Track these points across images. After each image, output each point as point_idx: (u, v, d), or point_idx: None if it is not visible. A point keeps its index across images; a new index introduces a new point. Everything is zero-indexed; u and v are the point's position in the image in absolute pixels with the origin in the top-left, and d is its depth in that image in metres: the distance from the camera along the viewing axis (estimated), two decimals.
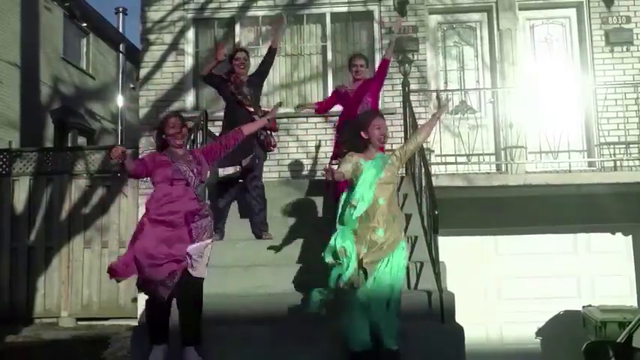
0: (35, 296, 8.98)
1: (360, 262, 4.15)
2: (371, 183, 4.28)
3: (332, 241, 4.15)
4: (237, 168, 5.90)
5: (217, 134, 7.31)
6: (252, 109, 5.95)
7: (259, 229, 5.98)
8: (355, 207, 4.22)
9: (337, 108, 6.54)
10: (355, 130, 4.51)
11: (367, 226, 4.21)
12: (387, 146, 5.48)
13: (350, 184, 4.40)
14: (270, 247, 5.66)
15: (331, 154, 6.28)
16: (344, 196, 4.41)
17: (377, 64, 7.04)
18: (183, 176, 4.45)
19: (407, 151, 4.56)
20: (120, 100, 15.24)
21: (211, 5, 8.66)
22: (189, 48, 8.63)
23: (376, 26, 8.49)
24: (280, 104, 5.47)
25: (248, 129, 4.96)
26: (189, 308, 4.37)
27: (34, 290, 8.98)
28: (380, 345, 4.15)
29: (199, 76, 6.63)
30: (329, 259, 4.13)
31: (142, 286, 4.44)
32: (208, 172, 4.74)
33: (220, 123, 7.44)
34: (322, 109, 6.69)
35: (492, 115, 8.38)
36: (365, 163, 4.34)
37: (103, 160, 9.25)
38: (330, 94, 6.75)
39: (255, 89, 6.16)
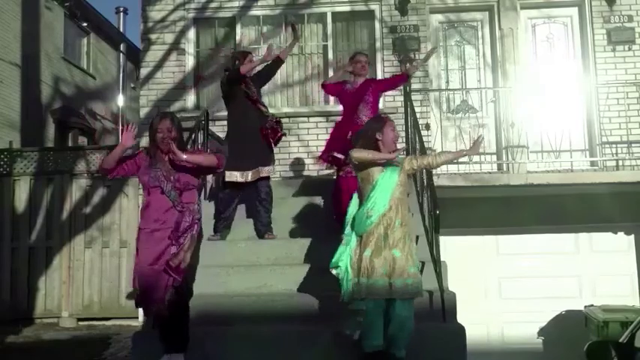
0: (36, 296, 8.96)
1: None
2: (388, 188, 4.24)
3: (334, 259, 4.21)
4: (249, 176, 5.83)
5: (219, 134, 7.31)
6: (263, 108, 6.00)
7: (263, 229, 5.96)
8: (371, 216, 4.18)
9: (337, 108, 6.50)
10: (369, 133, 4.42)
11: (384, 244, 4.16)
12: None
13: (360, 191, 4.37)
14: (272, 247, 5.65)
15: (324, 147, 6.21)
16: (353, 202, 4.37)
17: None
18: (158, 183, 4.27)
19: (415, 166, 4.45)
20: (120, 100, 15.24)
21: (212, 5, 8.65)
22: (190, 47, 8.63)
23: (377, 25, 8.48)
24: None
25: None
26: (177, 312, 4.22)
27: (35, 290, 8.96)
28: (389, 348, 4.14)
29: (233, 73, 5.91)
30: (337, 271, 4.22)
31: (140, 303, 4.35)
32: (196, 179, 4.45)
33: (221, 122, 7.47)
34: (327, 88, 6.37)
35: (494, 115, 8.36)
36: (383, 168, 4.30)
37: (103, 159, 9.24)
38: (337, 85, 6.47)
39: (257, 89, 6.15)
